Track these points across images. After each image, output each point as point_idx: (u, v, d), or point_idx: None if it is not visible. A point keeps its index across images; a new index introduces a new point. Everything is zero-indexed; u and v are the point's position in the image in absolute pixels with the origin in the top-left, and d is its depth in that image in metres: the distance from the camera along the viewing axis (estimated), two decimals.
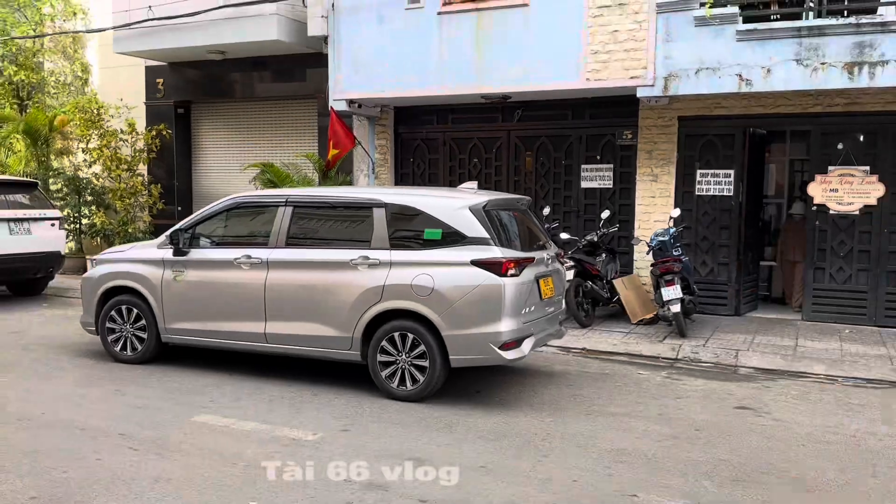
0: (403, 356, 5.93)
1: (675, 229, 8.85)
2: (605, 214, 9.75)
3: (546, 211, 10.00)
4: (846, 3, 8.11)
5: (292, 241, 6.46)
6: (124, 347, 7.19)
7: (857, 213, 9.05)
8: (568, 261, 8.89)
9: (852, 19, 7.83)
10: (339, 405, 5.88)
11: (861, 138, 9.08)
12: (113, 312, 7.18)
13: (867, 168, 8.96)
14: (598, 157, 10.44)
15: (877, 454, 4.97)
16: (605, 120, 10.33)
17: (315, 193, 6.90)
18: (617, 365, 7.54)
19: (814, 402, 6.22)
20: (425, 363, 5.87)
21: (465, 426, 5.40)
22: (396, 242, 6.09)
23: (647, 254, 9.31)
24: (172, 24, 11.81)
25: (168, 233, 6.95)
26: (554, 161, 10.75)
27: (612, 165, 10.37)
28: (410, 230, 6.16)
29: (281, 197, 6.68)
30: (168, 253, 6.90)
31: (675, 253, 8.60)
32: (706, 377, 7.10)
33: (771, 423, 5.63)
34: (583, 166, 10.52)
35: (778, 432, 5.39)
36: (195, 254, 6.82)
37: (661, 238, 8.79)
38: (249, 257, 6.50)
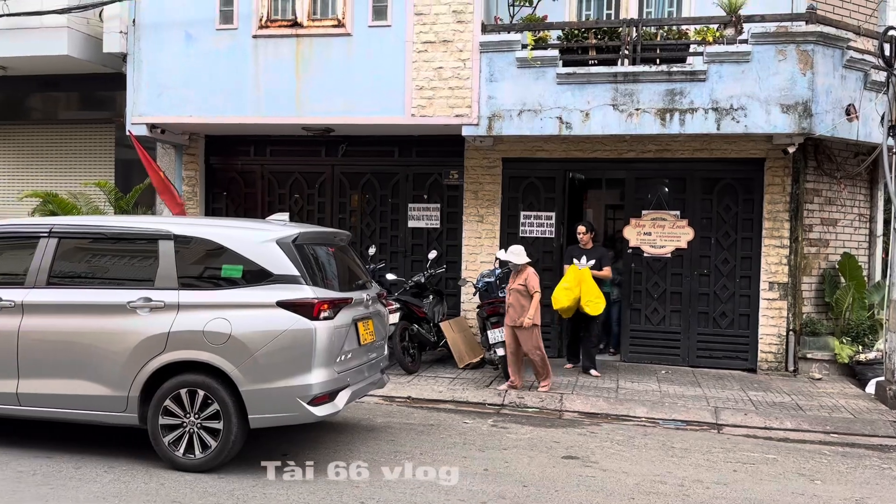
0: (192, 417, 4.99)
1: (500, 270, 8.62)
2: (433, 255, 9.38)
3: (372, 250, 9.47)
4: (658, 51, 8.40)
5: (56, 279, 5.33)
6: None
7: (669, 255, 9.34)
8: (393, 303, 8.36)
9: (664, 67, 8.12)
10: (107, 481, 4.81)
11: (672, 184, 9.46)
12: None
13: (678, 213, 9.31)
14: (426, 196, 10.12)
15: None
16: (432, 158, 10.05)
17: (87, 223, 5.78)
18: (443, 414, 7.04)
19: (639, 449, 6.04)
20: (219, 425, 4.97)
21: (262, 501, 4.57)
22: (187, 281, 5.19)
23: (474, 295, 9.03)
24: None
25: None
26: (380, 199, 10.27)
27: (439, 205, 10.08)
28: (205, 267, 5.31)
29: (44, 226, 5.54)
30: None
31: (501, 294, 8.34)
32: (532, 424, 6.77)
33: (599, 473, 5.33)
34: (410, 205, 10.14)
35: (607, 484, 5.08)
36: None
37: (487, 279, 8.55)
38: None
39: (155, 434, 5.04)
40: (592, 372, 8.54)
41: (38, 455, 5.28)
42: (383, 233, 10.26)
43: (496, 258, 8.90)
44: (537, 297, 7.41)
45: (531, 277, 7.47)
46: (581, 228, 8.74)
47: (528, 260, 7.60)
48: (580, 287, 8.16)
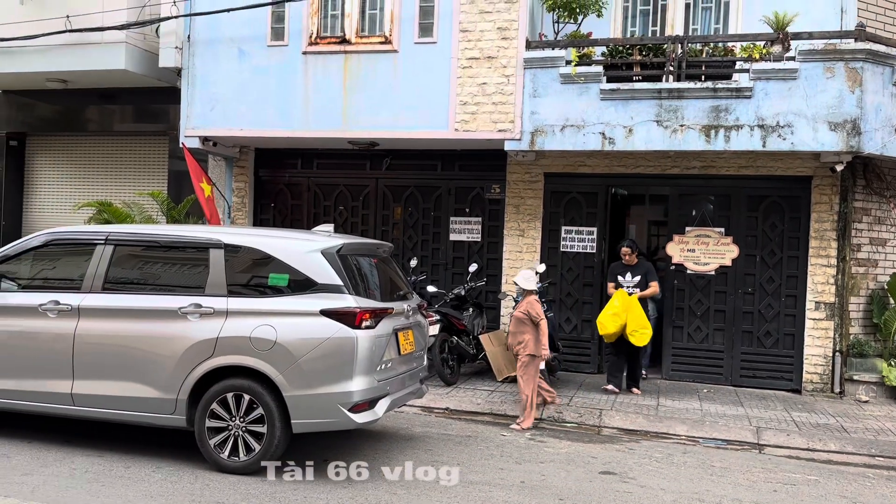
0: (237, 421, 5.15)
1: (540, 285, 8.62)
2: (473, 268, 9.45)
3: (413, 263, 9.60)
4: (703, 68, 8.38)
5: (111, 285, 5.57)
6: None
7: (713, 273, 9.24)
8: (433, 314, 8.45)
9: (709, 84, 8.08)
10: (156, 481, 4.99)
11: (716, 201, 9.37)
12: None
13: (722, 230, 9.22)
14: (467, 210, 10.21)
15: None
16: (474, 172, 10.14)
17: (142, 231, 6.05)
18: (481, 426, 7.09)
19: (678, 466, 6.00)
20: (263, 429, 5.11)
21: (303, 503, 4.69)
22: (236, 289, 5.37)
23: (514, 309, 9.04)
24: (5, 47, 10.59)
25: None
26: (423, 212, 10.41)
27: (480, 218, 10.16)
28: (253, 275, 5.48)
29: (101, 234, 5.79)
30: None
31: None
32: (570, 438, 6.77)
33: (636, 489, 5.31)
34: (451, 218, 10.25)
35: (644, 500, 5.07)
36: None
37: None
38: (58, 303, 5.54)
39: (201, 436, 5.21)
40: (634, 390, 8.46)
41: (90, 454, 5.50)
42: (425, 245, 10.38)
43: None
44: (544, 324, 7.09)
45: (534, 305, 7.13)
46: (625, 250, 8.50)
47: (534, 287, 7.28)
48: (627, 314, 8.06)
